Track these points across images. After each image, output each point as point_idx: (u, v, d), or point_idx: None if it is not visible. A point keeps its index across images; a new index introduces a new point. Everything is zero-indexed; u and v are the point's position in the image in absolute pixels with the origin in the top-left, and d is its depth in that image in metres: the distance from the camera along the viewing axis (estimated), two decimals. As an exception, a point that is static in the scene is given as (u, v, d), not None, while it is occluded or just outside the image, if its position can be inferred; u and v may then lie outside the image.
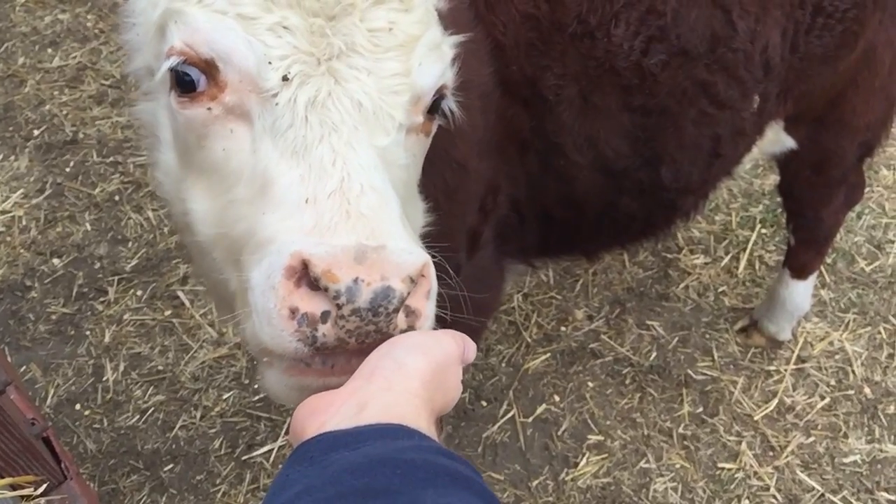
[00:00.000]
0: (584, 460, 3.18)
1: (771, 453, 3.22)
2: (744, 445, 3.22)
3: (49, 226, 3.80)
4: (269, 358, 1.17)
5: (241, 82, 1.25)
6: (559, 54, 2.02)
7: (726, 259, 3.76)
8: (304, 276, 1.11)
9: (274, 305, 1.10)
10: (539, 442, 3.25)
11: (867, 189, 3.38)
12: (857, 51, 2.41)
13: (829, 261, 3.70)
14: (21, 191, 3.91)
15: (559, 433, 3.26)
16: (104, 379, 3.34)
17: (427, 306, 1.17)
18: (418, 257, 1.15)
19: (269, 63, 1.23)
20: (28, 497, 1.51)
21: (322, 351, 1.12)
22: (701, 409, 3.33)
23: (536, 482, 3.13)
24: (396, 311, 1.12)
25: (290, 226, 1.16)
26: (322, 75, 1.25)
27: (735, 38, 2.14)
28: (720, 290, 3.68)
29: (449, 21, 1.55)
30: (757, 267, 3.75)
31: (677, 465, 3.18)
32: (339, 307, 1.09)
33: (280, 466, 3.16)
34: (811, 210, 3.01)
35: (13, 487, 1.46)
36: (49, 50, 4.49)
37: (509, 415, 3.30)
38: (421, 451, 0.90)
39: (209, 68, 1.26)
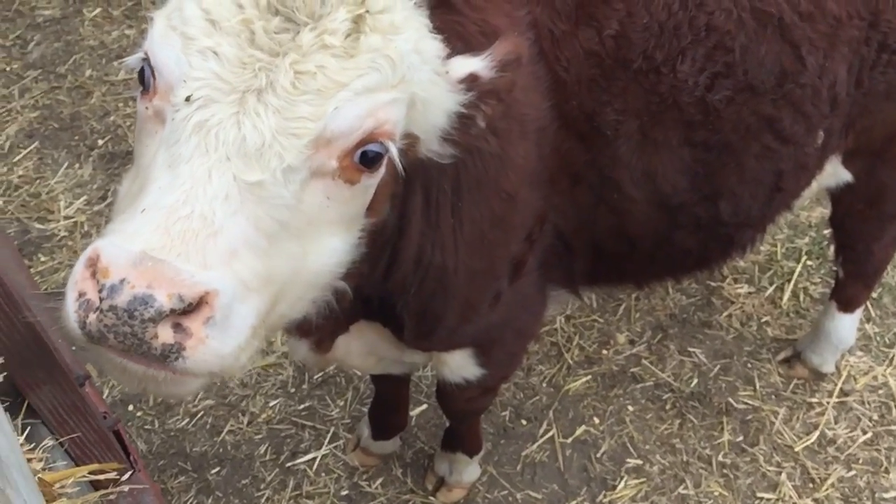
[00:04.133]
0: (623, 483, 3.20)
1: (811, 485, 3.21)
2: (783, 476, 3.22)
3: (109, 232, 3.94)
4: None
5: (165, 92, 1.37)
6: (620, 90, 2.06)
7: (770, 289, 3.77)
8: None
9: (70, 288, 1.23)
10: (578, 463, 3.28)
11: (916, 225, 3.38)
12: None
13: (874, 295, 3.69)
14: (84, 197, 4.07)
15: (598, 455, 3.29)
16: (156, 382, 3.45)
17: (203, 330, 1.21)
18: (200, 282, 1.20)
19: (185, 81, 1.34)
20: (100, 483, 1.60)
21: (90, 338, 1.21)
22: (741, 438, 3.33)
23: (574, 503, 3.16)
24: (154, 320, 1.18)
25: (117, 228, 1.29)
26: (229, 104, 1.32)
27: (804, 74, 2.16)
28: (763, 320, 3.68)
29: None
30: (801, 298, 3.75)
31: (716, 493, 3.18)
32: (101, 300, 1.19)
33: (322, 475, 3.25)
34: (862, 243, 3.01)
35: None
36: (115, 63, 4.67)
37: (549, 434, 3.34)
38: None
39: (154, 73, 1.39)
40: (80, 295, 1.21)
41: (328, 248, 1.50)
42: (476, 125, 1.61)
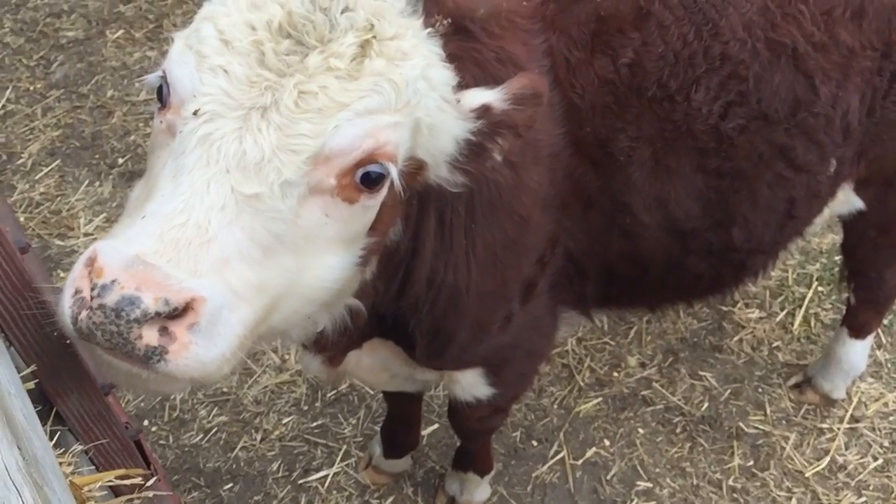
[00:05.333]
0: (633, 506, 3.21)
1: (821, 511, 3.21)
2: (794, 501, 3.22)
3: (128, 249, 4.00)
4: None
5: (178, 107, 1.43)
6: (634, 117, 2.09)
7: (781, 315, 3.79)
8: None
9: (68, 284, 1.29)
10: (588, 485, 3.29)
11: (927, 252, 3.40)
12: None
13: (886, 322, 3.70)
14: (104, 215, 4.13)
15: (608, 477, 3.30)
16: (171, 398, 3.48)
17: (187, 335, 1.26)
18: (187, 287, 1.25)
19: (195, 97, 1.40)
20: (121, 491, 1.63)
21: (80, 334, 1.26)
22: (751, 463, 3.34)
23: (584, 524, 3.17)
24: (139, 321, 1.23)
25: (118, 231, 1.35)
26: (234, 119, 1.38)
27: (817, 103, 2.20)
28: (774, 345, 3.70)
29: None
30: (812, 324, 3.77)
31: (726, 517, 3.19)
32: (91, 299, 1.24)
33: (334, 493, 3.27)
34: (874, 270, 3.03)
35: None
36: (136, 84, 4.76)
37: (559, 456, 3.36)
38: None
39: (169, 89, 1.46)
40: (77, 292, 1.27)
41: (325, 264, 1.53)
42: (492, 158, 1.64)
